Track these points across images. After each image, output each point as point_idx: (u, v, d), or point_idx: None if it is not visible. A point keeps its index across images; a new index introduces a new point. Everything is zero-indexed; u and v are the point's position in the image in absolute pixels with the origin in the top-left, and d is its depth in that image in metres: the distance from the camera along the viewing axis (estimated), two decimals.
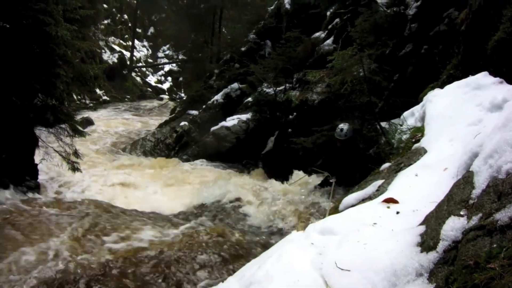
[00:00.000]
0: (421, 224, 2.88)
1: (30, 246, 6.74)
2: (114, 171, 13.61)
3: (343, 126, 9.63)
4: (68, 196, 10.68)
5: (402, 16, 11.12)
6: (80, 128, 11.74)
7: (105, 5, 40.66)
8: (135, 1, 43.78)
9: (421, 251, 2.48)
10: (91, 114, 24.73)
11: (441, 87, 6.66)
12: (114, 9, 43.49)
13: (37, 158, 10.75)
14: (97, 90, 33.19)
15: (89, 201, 9.71)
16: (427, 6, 10.44)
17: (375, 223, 3.26)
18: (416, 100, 7.64)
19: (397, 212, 3.41)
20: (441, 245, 2.37)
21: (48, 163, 10.75)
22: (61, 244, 6.93)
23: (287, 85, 15.06)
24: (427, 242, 2.51)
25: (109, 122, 24.23)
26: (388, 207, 3.56)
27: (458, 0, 9.08)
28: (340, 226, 3.47)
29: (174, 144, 17.14)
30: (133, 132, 21.92)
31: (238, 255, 7.09)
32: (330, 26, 15.32)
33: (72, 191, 11.18)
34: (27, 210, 8.35)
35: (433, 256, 2.38)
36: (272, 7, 21.41)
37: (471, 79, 5.55)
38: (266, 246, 6.98)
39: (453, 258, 2.25)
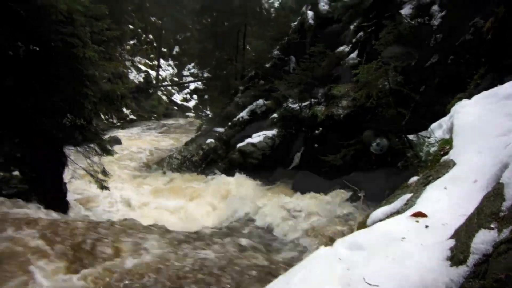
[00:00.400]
0: (451, 238, 2.83)
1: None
2: (141, 189, 13.72)
3: (379, 140, 9.64)
4: (98, 214, 10.78)
5: (427, 27, 11.04)
6: (108, 147, 11.88)
7: (130, 26, 41.28)
8: (160, 21, 44.37)
9: (451, 265, 2.43)
10: (119, 133, 25.04)
11: (469, 97, 6.57)
12: (139, 30, 44.07)
13: (66, 177, 10.88)
14: (124, 109, 33.60)
15: (119, 220, 9.74)
16: (452, 15, 10.36)
17: (403, 238, 3.21)
18: (444, 112, 7.55)
19: (426, 226, 3.35)
20: (472, 259, 2.32)
21: (76, 181, 10.86)
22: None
23: (313, 100, 15.04)
24: (457, 256, 2.46)
25: (136, 140, 24.48)
26: (417, 221, 3.50)
27: (483, 9, 8.99)
28: (368, 241, 3.42)
29: (200, 161, 17.22)
30: (160, 150, 22.07)
31: (267, 271, 7.05)
32: (354, 40, 15.31)
33: (101, 210, 11.30)
34: (71, 228, 8.29)
35: (463, 270, 2.33)
36: (295, 23, 21.48)
37: (499, 88, 5.46)
38: (293, 261, 6.93)
39: (483, 272, 2.20)
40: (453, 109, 6.43)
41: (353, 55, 14.57)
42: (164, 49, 47.41)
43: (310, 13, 19.20)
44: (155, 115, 37.68)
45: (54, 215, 9.06)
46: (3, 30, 8.99)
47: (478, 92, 6.27)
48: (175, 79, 48.85)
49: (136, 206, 11.95)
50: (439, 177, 4.55)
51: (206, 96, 41.99)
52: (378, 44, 10.79)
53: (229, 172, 15.60)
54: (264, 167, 15.29)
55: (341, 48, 15.72)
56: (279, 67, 19.19)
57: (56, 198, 10.33)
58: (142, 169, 17.61)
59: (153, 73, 42.17)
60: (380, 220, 4.45)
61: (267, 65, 20.13)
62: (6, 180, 9.15)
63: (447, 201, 3.76)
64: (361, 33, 14.97)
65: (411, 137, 9.12)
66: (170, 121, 36.26)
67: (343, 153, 11.40)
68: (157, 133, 28.60)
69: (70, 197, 11.44)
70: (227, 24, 29.05)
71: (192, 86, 47.77)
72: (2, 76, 9.04)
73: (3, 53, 9.30)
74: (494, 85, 5.89)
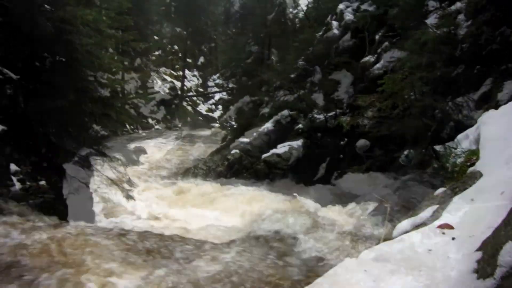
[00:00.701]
0: (478, 250, 2.81)
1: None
2: (165, 199, 13.80)
3: (408, 152, 9.63)
4: (123, 224, 10.84)
5: (453, 37, 10.95)
6: (134, 157, 12.01)
7: (156, 37, 41.71)
8: (184, 32, 44.68)
9: (478, 278, 2.42)
10: (145, 143, 25.28)
11: (496, 108, 6.51)
12: (164, 40, 44.52)
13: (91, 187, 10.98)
14: (149, 120, 33.94)
15: (145, 230, 9.77)
16: (478, 25, 10.26)
17: (430, 250, 3.20)
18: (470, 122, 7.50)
19: (453, 238, 3.33)
20: (499, 272, 2.31)
21: (99, 190, 10.95)
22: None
23: (338, 110, 15.02)
24: (484, 269, 2.45)
25: (161, 150, 24.65)
26: (444, 233, 3.48)
27: (510, 18, 8.92)
28: (394, 253, 3.41)
29: (225, 172, 17.24)
30: (185, 160, 22.17)
31: (292, 284, 7.03)
32: (379, 50, 15.24)
33: (126, 220, 11.36)
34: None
35: (490, 283, 2.31)
36: (320, 33, 21.47)
37: None
38: (318, 273, 6.91)
39: (511, 284, 2.19)
40: (479, 120, 6.38)
41: (379, 65, 14.51)
42: (189, 60, 47.69)
43: (335, 23, 19.20)
44: (180, 126, 37.92)
45: (91, 225, 9.16)
46: (28, 42, 9.19)
47: (506, 103, 6.22)
48: (200, 89, 49.09)
49: (162, 216, 11.99)
50: (466, 188, 4.52)
51: (231, 107, 42.13)
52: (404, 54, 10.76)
53: (254, 182, 15.61)
54: (290, 178, 15.29)
55: (366, 58, 15.67)
56: (304, 78, 19.19)
57: (82, 208, 10.44)
58: (167, 179, 17.70)
59: (178, 84, 42.46)
60: (406, 232, 4.43)
61: (292, 76, 20.11)
62: (32, 190, 9.26)
63: (474, 212, 3.74)
64: (386, 43, 14.91)
65: (437, 147, 9.06)
66: (195, 132, 36.39)
67: (368, 164, 11.40)
68: (182, 143, 28.72)
69: (100, 207, 11.55)
70: (252, 35, 29.21)
71: (217, 96, 47.92)
72: (25, 85, 9.23)
73: (29, 64, 9.51)
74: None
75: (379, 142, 12.80)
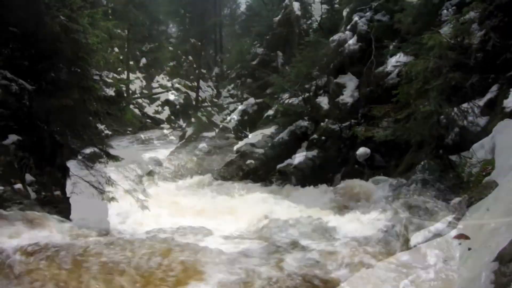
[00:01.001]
0: (494, 260, 2.82)
1: None
2: (179, 209, 13.85)
3: (423, 163, 9.67)
4: (137, 235, 10.87)
5: (466, 46, 10.91)
6: (149, 167, 12.06)
7: (170, 48, 41.92)
8: (199, 43, 44.89)
9: None
10: (160, 152, 25.49)
11: (511, 117, 6.50)
12: (179, 51, 44.77)
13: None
14: (164, 130, 34.16)
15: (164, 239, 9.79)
16: (492, 34, 10.23)
17: (445, 260, 3.21)
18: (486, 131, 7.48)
19: (469, 249, 3.33)
20: None
21: (113, 198, 10.99)
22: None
23: (353, 120, 15.03)
24: (500, 280, 2.45)
25: (175, 160, 24.70)
26: (460, 243, 3.49)
27: None
28: (410, 263, 3.43)
29: (240, 181, 17.30)
30: (200, 171, 22.19)
31: None
32: (394, 59, 15.22)
33: (139, 229, 11.40)
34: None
35: None
36: (334, 43, 21.42)
37: None
38: (333, 284, 6.90)
39: None
40: (494, 129, 6.39)
41: (393, 75, 14.50)
42: (203, 70, 47.87)
43: (348, 33, 19.20)
44: (194, 136, 38.02)
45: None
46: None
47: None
48: (215, 100, 49.17)
49: (178, 226, 12.00)
50: (482, 198, 4.52)
51: (245, 117, 42.12)
52: (418, 63, 10.72)
53: (269, 192, 15.64)
54: (303, 186, 15.30)
55: (381, 68, 15.65)
56: (319, 88, 19.21)
57: (96, 215, 10.47)
58: (181, 189, 17.74)
59: (193, 94, 42.61)
60: (423, 242, 4.44)
61: (307, 86, 20.11)
62: (46, 200, 9.30)
63: (490, 223, 3.74)
64: (400, 53, 14.89)
65: (453, 157, 9.05)
66: (210, 142, 36.42)
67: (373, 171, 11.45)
68: (197, 153, 28.72)
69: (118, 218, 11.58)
70: (266, 45, 29.33)
71: (232, 106, 47.93)
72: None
73: (45, 75, 9.65)
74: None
75: (383, 147, 12.85)
